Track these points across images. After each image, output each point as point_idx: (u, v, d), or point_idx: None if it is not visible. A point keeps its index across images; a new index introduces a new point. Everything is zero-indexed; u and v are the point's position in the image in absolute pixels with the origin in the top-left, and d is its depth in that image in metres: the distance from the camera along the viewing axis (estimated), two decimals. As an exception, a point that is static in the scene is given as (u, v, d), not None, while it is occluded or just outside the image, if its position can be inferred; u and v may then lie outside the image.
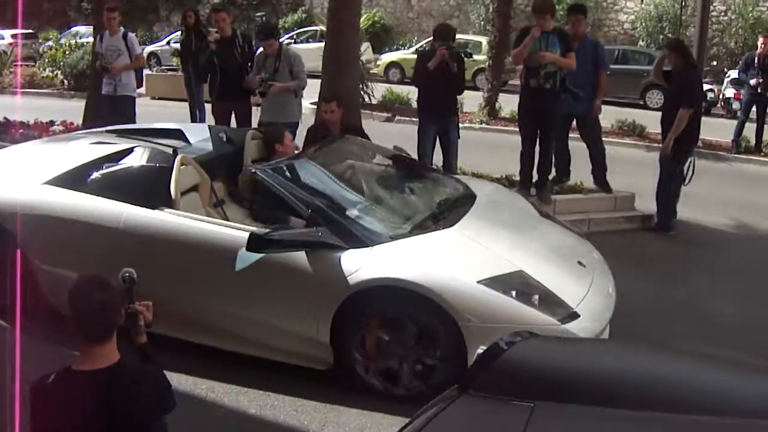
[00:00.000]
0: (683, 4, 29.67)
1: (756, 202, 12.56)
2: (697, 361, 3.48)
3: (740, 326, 7.52)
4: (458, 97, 10.43)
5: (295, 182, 6.54)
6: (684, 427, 2.77)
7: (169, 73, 23.17)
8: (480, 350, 3.18)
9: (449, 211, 6.77)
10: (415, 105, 12.05)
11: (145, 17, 33.60)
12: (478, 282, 5.62)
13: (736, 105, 21.39)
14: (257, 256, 5.62)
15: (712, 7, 31.90)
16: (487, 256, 6.14)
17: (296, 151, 7.77)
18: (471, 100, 17.92)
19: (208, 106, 12.50)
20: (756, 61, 16.72)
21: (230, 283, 5.95)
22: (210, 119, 11.52)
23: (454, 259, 6.00)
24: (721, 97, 25.71)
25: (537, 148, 9.92)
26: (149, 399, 3.53)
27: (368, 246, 5.83)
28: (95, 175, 6.64)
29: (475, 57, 23.89)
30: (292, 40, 29.92)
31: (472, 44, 27.05)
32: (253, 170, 6.58)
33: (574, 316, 5.66)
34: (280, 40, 11.55)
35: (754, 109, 17.27)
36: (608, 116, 14.36)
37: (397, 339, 5.71)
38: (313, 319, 5.82)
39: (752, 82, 16.42)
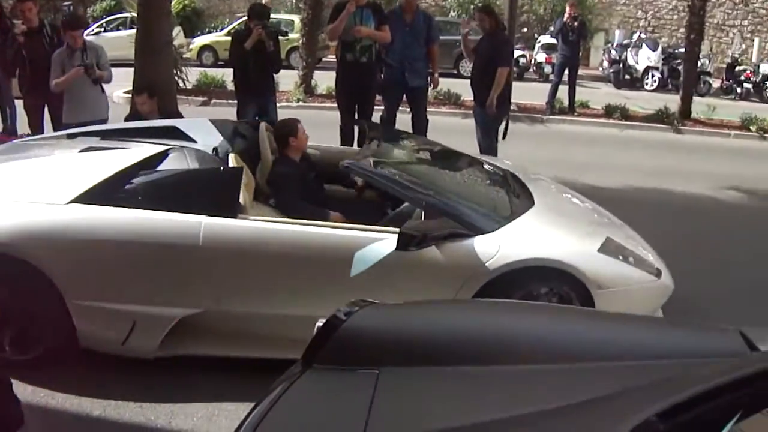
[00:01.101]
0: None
1: (572, 159, 13.17)
2: (534, 314, 3.62)
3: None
4: (275, 75, 10.30)
5: (397, 176, 6.12)
6: (520, 376, 2.91)
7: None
8: (319, 323, 3.15)
9: (516, 192, 6.77)
10: (230, 87, 11.91)
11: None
12: (598, 251, 5.84)
13: (547, 69, 22.28)
14: (378, 257, 5.23)
15: (521, -25, 32.94)
16: (578, 227, 6.40)
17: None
18: (287, 79, 17.91)
19: (19, 102, 11.87)
20: (565, 24, 17.57)
21: (349, 285, 5.07)
22: (22, 115, 10.97)
23: (564, 234, 6.10)
24: (533, 61, 26.58)
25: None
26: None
27: (490, 232, 5.71)
28: (134, 186, 5.64)
29: (289, 36, 23.85)
30: (102, 29, 29.07)
31: (285, 23, 26.91)
32: (347, 164, 6.01)
33: (660, 272, 6.01)
34: (90, 29, 11.17)
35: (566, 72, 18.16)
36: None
37: None
38: None
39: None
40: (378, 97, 10.66)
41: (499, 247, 5.58)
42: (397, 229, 5.30)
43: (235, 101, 10.51)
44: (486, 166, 7.51)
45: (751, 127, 18.82)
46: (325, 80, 17.69)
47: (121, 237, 5.38)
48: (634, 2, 35.47)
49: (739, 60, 29.46)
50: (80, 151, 6.29)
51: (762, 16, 35.45)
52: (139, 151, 6.12)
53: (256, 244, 5.48)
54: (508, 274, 5.51)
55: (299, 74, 19.05)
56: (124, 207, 5.43)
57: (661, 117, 18.73)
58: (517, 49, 25.97)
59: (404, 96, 10.68)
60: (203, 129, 7.06)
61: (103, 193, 5.48)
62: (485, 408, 2.71)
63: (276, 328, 5.55)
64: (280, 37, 9.96)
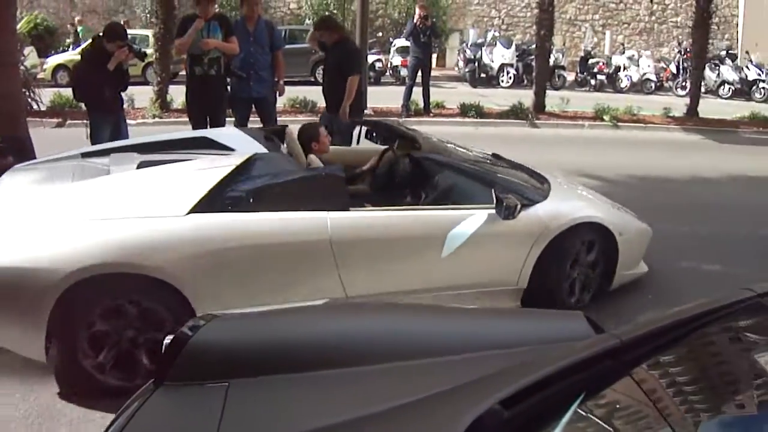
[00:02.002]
0: (345, -21, 30.50)
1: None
2: (385, 314, 3.66)
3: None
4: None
5: (460, 167, 7.19)
6: (372, 376, 2.93)
7: None
8: (167, 340, 3.13)
9: (533, 173, 7.82)
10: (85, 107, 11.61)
11: None
12: (612, 208, 7.61)
13: (404, 72, 22.46)
14: (468, 234, 6.26)
15: (375, -20, 33.16)
16: (590, 195, 8.01)
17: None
18: (143, 95, 17.65)
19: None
20: (416, 26, 17.77)
21: (441, 262, 6.26)
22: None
23: (589, 201, 7.69)
24: (389, 65, 26.75)
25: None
26: None
27: (542, 202, 6.83)
28: (242, 191, 5.75)
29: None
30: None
31: (139, 38, 26.50)
32: (428, 156, 7.31)
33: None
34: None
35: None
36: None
37: (584, 261, 7.11)
38: (516, 270, 6.65)
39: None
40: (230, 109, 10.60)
41: (556, 211, 6.83)
42: (482, 206, 6.40)
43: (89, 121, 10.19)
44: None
45: (604, 117, 19.46)
46: (181, 95, 17.38)
47: (249, 241, 5.61)
48: (488, 2, 36.12)
49: (592, 53, 30.38)
50: (138, 167, 6.28)
51: (612, 10, 36.61)
52: (228, 159, 6.18)
53: (373, 232, 6.08)
54: (566, 231, 6.76)
55: (154, 90, 18.68)
56: (238, 212, 5.65)
57: (516, 112, 19.18)
58: (373, 53, 26.18)
59: (253, 106, 10.63)
60: (236, 137, 7.19)
61: (216, 201, 5.60)
62: (335, 411, 2.72)
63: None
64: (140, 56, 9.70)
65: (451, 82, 28.09)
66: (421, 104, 18.94)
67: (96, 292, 5.13)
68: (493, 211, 6.28)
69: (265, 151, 6.59)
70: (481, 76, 27.90)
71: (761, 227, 10.22)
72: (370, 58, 25.09)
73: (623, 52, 30.77)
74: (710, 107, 23.12)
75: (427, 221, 6.38)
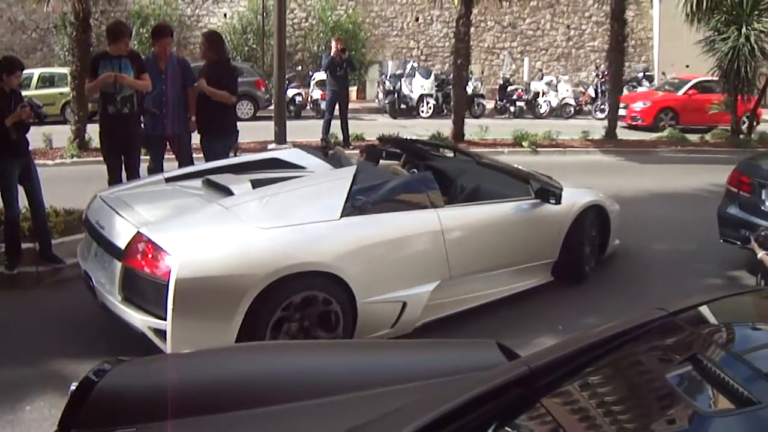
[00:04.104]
0: (264, 15, 30.44)
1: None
2: (298, 353, 3.60)
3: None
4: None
5: (506, 169, 9.00)
6: (284, 415, 2.90)
7: None
8: (72, 386, 3.05)
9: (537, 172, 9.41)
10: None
11: None
12: (602, 195, 9.75)
13: (323, 105, 22.35)
14: (525, 217, 8.30)
15: (293, 14, 33.19)
16: (583, 188, 9.83)
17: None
18: (61, 135, 17.38)
19: None
20: (332, 60, 17.81)
21: (513, 243, 8.11)
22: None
23: (586, 191, 9.54)
24: (309, 99, 26.69)
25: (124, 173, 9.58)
26: None
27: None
28: (366, 198, 6.85)
29: (63, 90, 23.23)
30: None
31: (58, 76, 26.20)
32: (485, 161, 9.16)
33: None
34: None
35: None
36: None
37: (590, 235, 9.18)
38: (555, 245, 8.58)
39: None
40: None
41: (572, 198, 8.71)
42: (529, 198, 8.32)
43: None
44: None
45: (523, 143, 19.67)
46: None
47: (386, 236, 6.88)
48: (406, 33, 36.38)
49: (511, 80, 30.68)
50: (254, 186, 7.20)
51: (530, 37, 37.14)
52: (338, 172, 7.57)
53: (465, 222, 7.58)
54: (581, 213, 8.80)
55: (72, 129, 18.31)
56: (374, 213, 6.83)
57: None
58: (293, 87, 26.14)
59: (168, 144, 10.46)
60: (301, 156, 8.59)
61: (353, 206, 6.70)
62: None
63: (485, 284, 7.77)
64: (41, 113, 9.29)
65: (371, 114, 28.10)
66: (341, 137, 18.87)
67: (284, 288, 6.04)
68: (537, 200, 8.25)
69: (331, 166, 8.14)
70: (401, 107, 27.94)
71: (680, 242, 10.58)
72: (290, 92, 25.07)
73: (542, 78, 31.16)
74: (629, 128, 23.57)
75: (497, 211, 8.03)
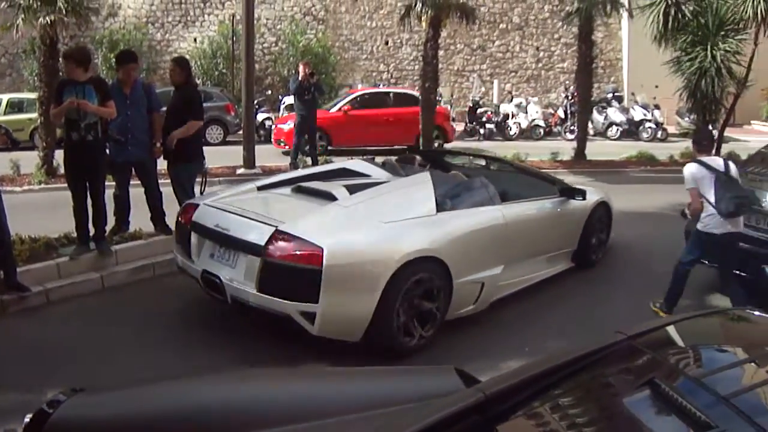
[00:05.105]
0: (234, 39, 30.38)
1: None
2: (255, 381, 3.56)
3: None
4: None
5: (536, 173, 11.13)
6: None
7: None
8: (26, 418, 3.01)
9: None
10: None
11: None
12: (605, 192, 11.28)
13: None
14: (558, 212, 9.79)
15: (263, 39, 33.24)
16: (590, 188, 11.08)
17: None
18: (29, 161, 17.23)
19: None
20: (300, 84, 17.75)
21: (549, 233, 9.54)
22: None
23: (595, 190, 11.08)
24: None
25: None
26: None
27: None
28: (448, 197, 8.22)
29: (32, 116, 23.06)
30: None
31: (27, 102, 26.02)
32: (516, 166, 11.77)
33: None
34: None
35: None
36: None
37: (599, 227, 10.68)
38: (577, 236, 10.11)
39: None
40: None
41: (588, 200, 10.10)
42: (557, 197, 9.81)
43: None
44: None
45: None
46: (68, 159, 17.06)
47: (470, 227, 8.07)
48: (376, 56, 36.44)
49: (480, 102, 30.71)
50: (350, 191, 8.16)
51: (499, 59, 37.28)
52: (419, 176, 8.82)
53: (518, 217, 8.81)
54: (594, 209, 10.31)
55: (40, 155, 18.08)
56: (458, 209, 8.14)
57: (406, 164, 19.11)
58: (263, 111, 26.05)
59: (133, 170, 10.35)
60: (363, 166, 9.79)
61: (441, 204, 7.98)
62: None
63: (530, 268, 9.17)
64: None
65: None
66: (310, 161, 18.73)
67: (408, 269, 7.11)
68: (564, 198, 9.78)
69: (390, 174, 9.42)
70: (370, 130, 27.67)
71: (651, 261, 10.62)
72: (260, 117, 24.99)
73: (511, 100, 31.26)
74: (599, 149, 23.66)
75: (538, 207, 9.48)
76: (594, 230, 10.40)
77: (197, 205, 8.14)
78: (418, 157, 11.32)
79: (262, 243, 6.92)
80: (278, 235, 6.92)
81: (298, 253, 6.78)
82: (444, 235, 7.66)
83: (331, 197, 8.02)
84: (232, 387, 3.40)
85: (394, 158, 10.84)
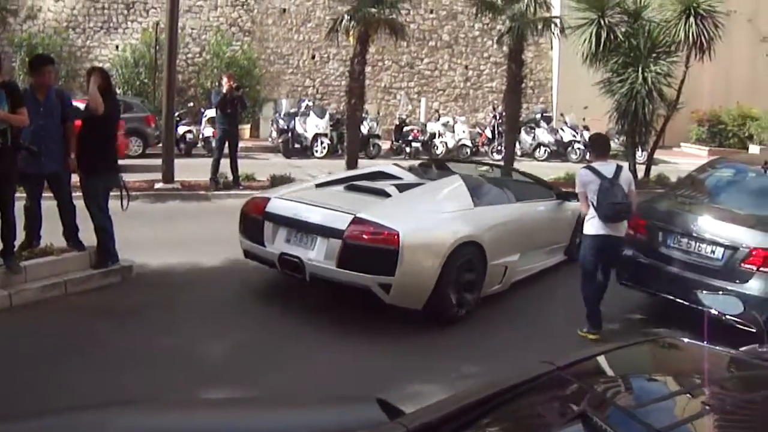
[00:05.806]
0: (157, 48, 29.95)
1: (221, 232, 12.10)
2: (193, 411, 3.48)
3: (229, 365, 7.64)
4: None
5: (537, 180, 12.84)
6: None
7: None
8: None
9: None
10: None
11: None
12: None
13: (215, 143, 21.76)
14: (556, 212, 11.67)
15: (187, 49, 32.84)
16: None
17: None
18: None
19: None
20: (224, 97, 17.23)
21: (550, 228, 11.34)
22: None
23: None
24: (200, 136, 25.91)
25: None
26: None
27: None
28: (480, 193, 10.07)
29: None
30: None
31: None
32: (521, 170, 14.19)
33: None
34: None
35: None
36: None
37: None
38: (570, 232, 11.71)
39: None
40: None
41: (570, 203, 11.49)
42: (555, 199, 11.68)
43: None
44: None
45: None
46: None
47: (502, 220, 9.88)
48: (302, 71, 36.20)
49: (407, 120, 30.69)
50: (398, 189, 9.94)
51: (427, 77, 37.32)
52: (451, 179, 10.54)
53: (529, 213, 10.83)
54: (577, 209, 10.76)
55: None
56: (490, 204, 9.98)
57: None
58: (184, 124, 25.60)
59: (46, 182, 9.83)
60: (396, 170, 11.36)
61: (477, 200, 9.73)
62: None
63: (535, 258, 10.84)
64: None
65: (264, 153, 27.11)
66: (230, 177, 18.22)
67: (460, 251, 8.80)
68: (560, 200, 11.59)
69: (418, 178, 10.97)
70: (295, 146, 27.16)
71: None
72: (181, 129, 24.44)
73: (438, 119, 31.20)
74: (527, 169, 23.60)
75: (543, 206, 11.37)
76: (581, 229, 11.39)
77: (268, 198, 9.64)
78: (432, 165, 13.20)
79: (344, 228, 8.43)
80: (357, 221, 8.47)
81: (375, 235, 8.37)
82: (481, 225, 9.34)
83: (385, 194, 9.72)
84: (137, 417, 3.16)
85: (417, 163, 13.26)
